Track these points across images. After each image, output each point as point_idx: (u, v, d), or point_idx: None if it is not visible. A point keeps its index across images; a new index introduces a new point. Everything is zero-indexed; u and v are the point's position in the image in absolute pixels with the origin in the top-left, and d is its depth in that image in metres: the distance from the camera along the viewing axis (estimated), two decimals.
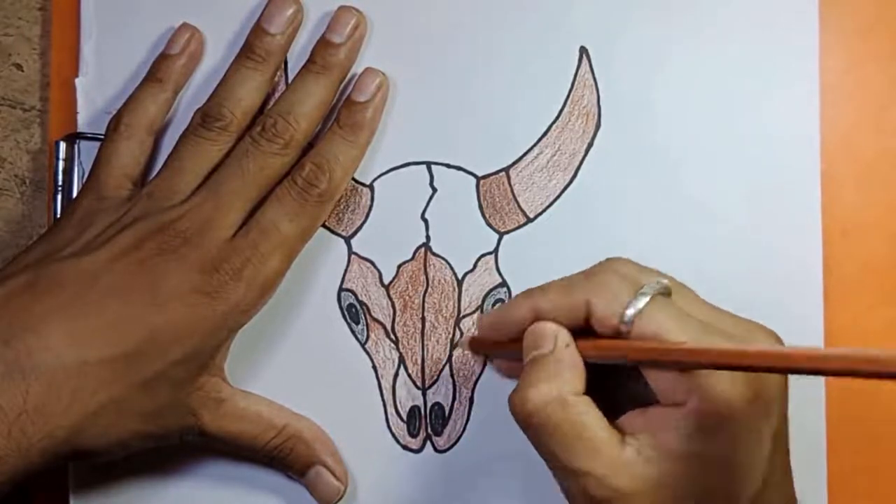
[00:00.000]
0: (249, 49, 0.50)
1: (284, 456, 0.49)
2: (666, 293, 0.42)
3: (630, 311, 0.40)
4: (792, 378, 0.45)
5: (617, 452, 0.41)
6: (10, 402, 0.42)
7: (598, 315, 0.42)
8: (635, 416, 0.42)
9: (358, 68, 0.50)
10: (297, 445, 0.49)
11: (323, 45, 0.50)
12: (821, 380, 0.48)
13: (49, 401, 0.42)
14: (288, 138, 0.48)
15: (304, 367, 0.51)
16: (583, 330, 0.43)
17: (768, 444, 0.40)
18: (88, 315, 0.44)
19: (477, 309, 0.50)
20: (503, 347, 0.46)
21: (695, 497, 0.40)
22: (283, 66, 0.51)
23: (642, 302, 0.40)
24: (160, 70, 0.51)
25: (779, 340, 0.42)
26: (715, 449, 0.39)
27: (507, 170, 0.50)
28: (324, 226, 0.51)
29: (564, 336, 0.43)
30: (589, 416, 0.41)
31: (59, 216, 0.51)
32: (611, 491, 0.40)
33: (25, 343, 0.42)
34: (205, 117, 0.49)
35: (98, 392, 0.43)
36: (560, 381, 0.42)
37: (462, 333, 0.51)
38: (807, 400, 0.47)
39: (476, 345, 0.49)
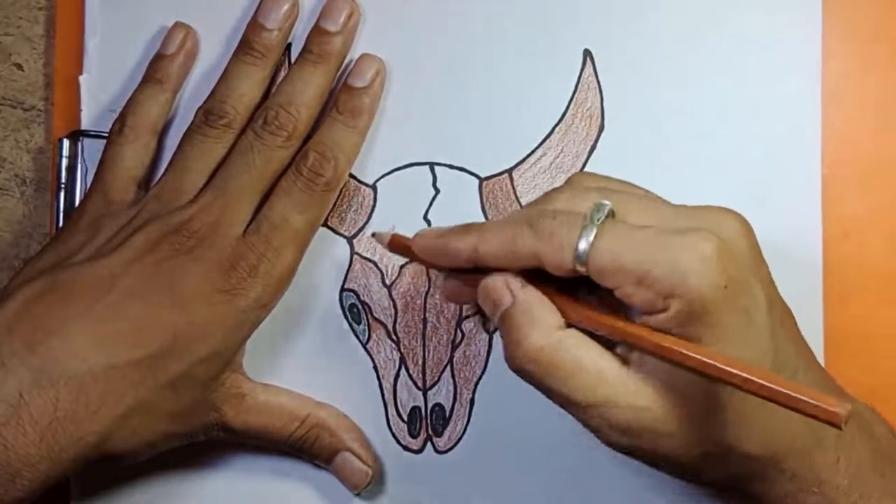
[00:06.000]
0: (248, 45, 0.50)
1: (310, 445, 0.49)
2: (611, 214, 0.40)
3: (581, 252, 0.39)
4: None
5: (624, 374, 0.40)
6: (41, 410, 0.42)
7: (552, 265, 0.40)
8: None
9: None
10: (321, 434, 0.49)
11: (318, 33, 0.49)
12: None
13: (79, 406, 0.42)
14: (291, 129, 0.48)
15: (306, 366, 0.51)
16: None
17: (762, 317, 0.39)
18: (111, 318, 0.44)
19: (478, 310, 0.50)
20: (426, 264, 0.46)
21: (702, 389, 0.39)
22: (285, 53, 0.51)
23: (586, 242, 0.39)
24: (158, 70, 0.51)
25: (745, 225, 0.41)
26: (707, 340, 0.38)
27: (510, 171, 0.50)
28: (327, 226, 0.51)
29: (515, 282, 0.41)
30: (582, 348, 0.40)
31: (65, 220, 0.51)
32: (632, 411, 0.40)
33: (51, 349, 0.42)
34: (207, 115, 0.49)
35: (126, 395, 0.43)
36: (538, 325, 0.41)
37: (464, 335, 0.50)
38: None
39: (398, 249, 0.46)
